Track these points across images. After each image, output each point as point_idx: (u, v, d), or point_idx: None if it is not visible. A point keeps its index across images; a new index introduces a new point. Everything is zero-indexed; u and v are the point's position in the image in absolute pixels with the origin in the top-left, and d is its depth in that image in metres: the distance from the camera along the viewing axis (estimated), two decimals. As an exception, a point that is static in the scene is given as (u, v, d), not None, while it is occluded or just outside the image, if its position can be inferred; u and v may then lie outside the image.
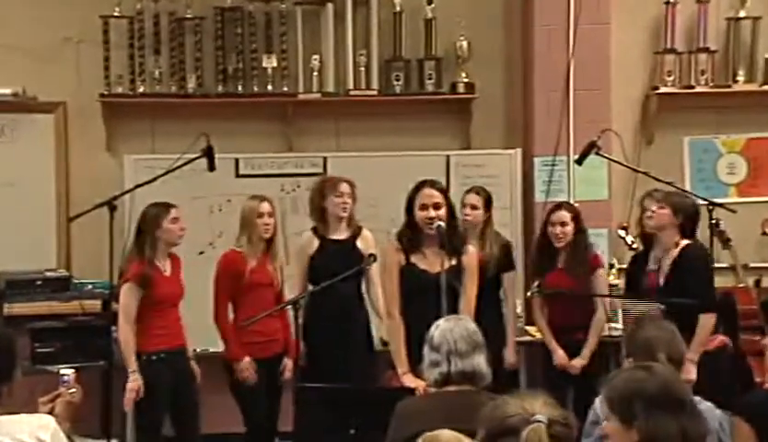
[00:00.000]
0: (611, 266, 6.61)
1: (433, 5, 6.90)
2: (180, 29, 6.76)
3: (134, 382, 5.35)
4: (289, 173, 6.75)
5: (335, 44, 6.89)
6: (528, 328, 6.41)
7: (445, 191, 5.17)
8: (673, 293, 5.27)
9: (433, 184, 5.12)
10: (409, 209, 5.10)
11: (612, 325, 6.13)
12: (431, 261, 5.05)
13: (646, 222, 5.91)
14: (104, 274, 5.97)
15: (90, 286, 6.37)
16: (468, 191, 6.00)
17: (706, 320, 5.27)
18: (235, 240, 5.72)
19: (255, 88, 6.84)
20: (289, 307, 5.27)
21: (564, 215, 5.84)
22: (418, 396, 4.27)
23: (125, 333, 5.40)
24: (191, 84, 6.75)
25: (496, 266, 5.86)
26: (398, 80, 6.94)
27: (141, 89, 6.74)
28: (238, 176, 6.68)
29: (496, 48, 7.11)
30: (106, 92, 6.70)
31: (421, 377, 4.09)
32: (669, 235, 5.43)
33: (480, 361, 3.73)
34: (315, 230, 5.74)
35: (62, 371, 3.59)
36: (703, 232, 5.69)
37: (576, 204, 6.22)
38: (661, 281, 5.42)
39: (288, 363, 5.68)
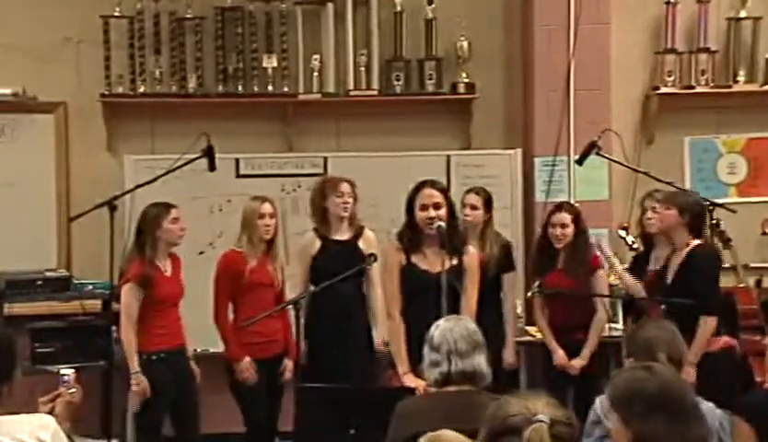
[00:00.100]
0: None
1: (433, 6, 6.90)
2: (181, 29, 6.76)
3: (140, 383, 5.36)
4: (289, 173, 6.75)
5: (335, 44, 6.89)
6: (528, 328, 6.41)
7: (445, 192, 5.17)
8: (679, 293, 5.25)
9: (433, 184, 5.12)
10: (409, 209, 5.10)
11: (612, 325, 6.13)
12: (431, 262, 5.04)
13: (648, 223, 5.91)
14: (104, 274, 5.95)
15: (90, 286, 6.37)
16: (468, 192, 5.99)
17: (706, 323, 5.24)
18: (235, 240, 5.71)
19: (255, 88, 6.84)
20: (290, 307, 5.28)
21: (565, 216, 5.83)
22: (418, 396, 4.26)
23: (128, 334, 5.40)
24: (191, 84, 6.75)
25: (497, 266, 5.86)
26: (398, 80, 6.94)
27: (141, 89, 6.74)
28: (238, 176, 6.68)
29: (496, 48, 7.11)
30: (106, 92, 6.71)
31: (421, 376, 4.08)
32: (679, 235, 5.39)
33: (480, 361, 3.72)
34: (317, 231, 5.74)
35: (62, 371, 3.59)
36: (703, 232, 5.70)
37: (577, 205, 6.22)
38: (669, 280, 5.41)
39: (288, 364, 5.68)
